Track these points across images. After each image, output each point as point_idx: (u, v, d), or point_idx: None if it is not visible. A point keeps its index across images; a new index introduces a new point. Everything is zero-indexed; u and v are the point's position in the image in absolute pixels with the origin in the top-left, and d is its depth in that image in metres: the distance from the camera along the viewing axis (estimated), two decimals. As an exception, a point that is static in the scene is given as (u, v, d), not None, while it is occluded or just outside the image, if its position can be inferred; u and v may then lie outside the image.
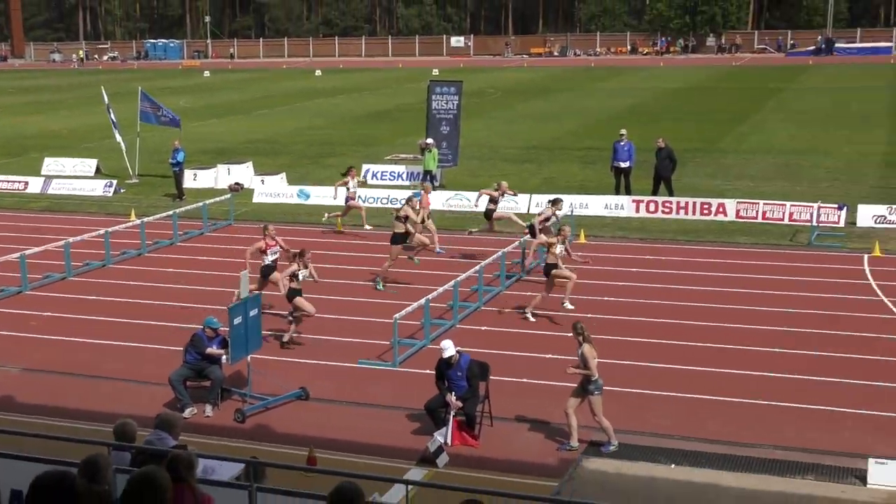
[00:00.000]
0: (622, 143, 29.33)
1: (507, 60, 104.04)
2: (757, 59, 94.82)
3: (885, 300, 19.44)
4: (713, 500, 11.84)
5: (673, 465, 12.81)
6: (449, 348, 13.69)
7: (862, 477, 12.20)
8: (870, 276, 21.13)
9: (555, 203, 22.12)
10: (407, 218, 21.25)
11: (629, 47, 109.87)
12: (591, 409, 13.13)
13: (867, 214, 25.77)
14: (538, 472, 12.76)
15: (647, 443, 13.49)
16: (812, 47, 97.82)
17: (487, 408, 14.07)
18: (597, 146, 38.39)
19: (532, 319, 18.64)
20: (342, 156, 39.57)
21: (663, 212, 27.46)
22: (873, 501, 11.72)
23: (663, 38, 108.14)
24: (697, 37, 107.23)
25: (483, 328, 18.46)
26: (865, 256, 22.65)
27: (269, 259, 19.03)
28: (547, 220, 21.67)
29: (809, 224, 24.85)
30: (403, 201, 22.63)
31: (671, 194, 28.41)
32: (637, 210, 27.89)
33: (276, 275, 18.57)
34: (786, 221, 25.95)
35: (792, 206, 26.32)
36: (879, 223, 25.47)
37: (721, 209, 27.03)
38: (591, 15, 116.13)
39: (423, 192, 24.52)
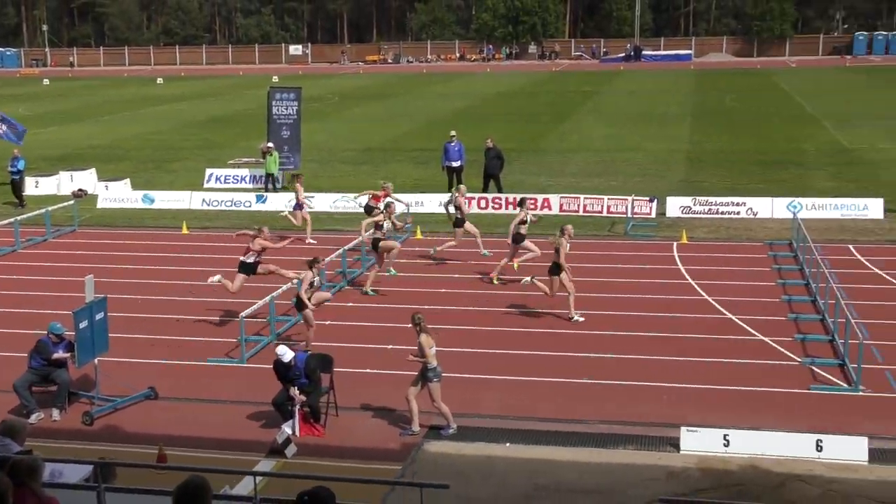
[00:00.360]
0: (453, 144, 29.59)
1: (344, 67, 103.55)
2: (574, 65, 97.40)
3: (693, 283, 20.25)
4: (547, 474, 12.07)
5: (508, 444, 13.00)
6: (286, 353, 13.50)
7: (675, 444, 12.68)
8: (679, 262, 21.97)
9: (521, 203, 21.40)
10: (382, 225, 20.35)
11: (458, 54, 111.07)
12: (431, 396, 13.18)
13: (675, 206, 26.81)
14: (382, 457, 12.73)
15: (485, 424, 13.64)
16: (623, 54, 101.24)
17: (333, 398, 13.95)
18: (429, 147, 38.61)
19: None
20: (185, 160, 38.57)
21: (493, 207, 27.86)
22: (686, 465, 12.19)
23: (489, 46, 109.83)
24: (520, 45, 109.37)
25: (327, 322, 18.27)
26: (674, 244, 23.55)
27: (251, 259, 18.11)
28: (524, 222, 20.64)
29: (625, 216, 25.71)
30: (381, 208, 21.58)
31: (500, 191, 28.87)
32: (469, 206, 28.12)
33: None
34: (604, 214, 26.72)
35: (609, 199, 27.12)
36: (685, 213, 26.55)
37: (546, 203, 27.61)
38: (421, 24, 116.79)
39: (384, 190, 23.63)
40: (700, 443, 12.56)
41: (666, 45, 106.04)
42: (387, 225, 20.39)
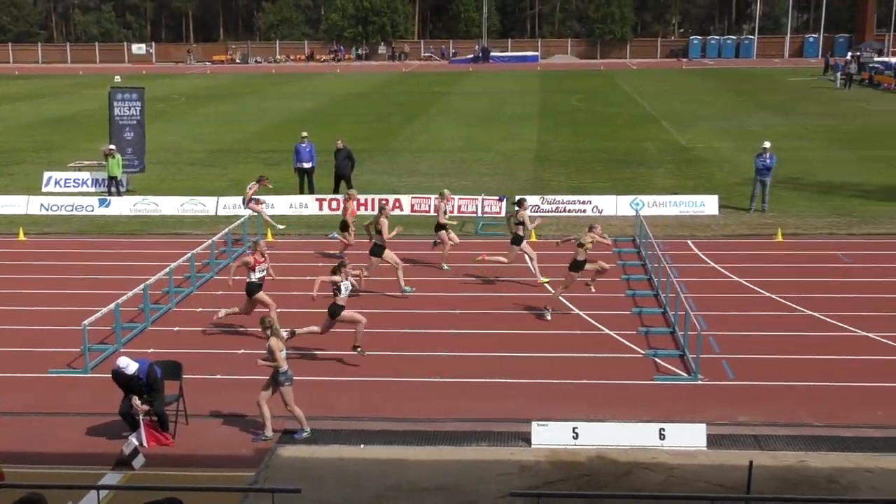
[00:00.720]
0: (304, 145, 29.34)
1: (190, 67, 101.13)
2: (424, 66, 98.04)
3: (542, 280, 20.66)
4: (399, 474, 12.11)
5: (363, 445, 12.98)
6: (128, 365, 13.07)
7: (527, 439, 12.93)
8: (528, 259, 22.34)
9: (520, 203, 21.08)
10: (379, 231, 19.68)
11: (307, 55, 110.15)
12: (283, 400, 13.03)
13: (523, 204, 27.30)
14: (235, 464, 12.49)
15: (339, 426, 13.58)
16: (471, 55, 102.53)
17: (182, 406, 13.61)
18: (280, 148, 38.19)
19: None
20: (23, 163, 36.87)
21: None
22: (537, 459, 12.45)
23: (340, 47, 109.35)
24: (370, 45, 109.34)
25: (176, 329, 17.84)
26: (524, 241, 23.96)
27: (255, 276, 16.96)
28: (521, 223, 20.59)
29: (475, 215, 26.06)
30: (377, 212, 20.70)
31: (351, 192, 28.77)
32: (321, 208, 28.02)
33: (262, 294, 16.85)
34: (455, 213, 26.98)
35: (459, 199, 27.42)
36: (534, 211, 26.98)
37: (398, 204, 27.70)
38: (269, 24, 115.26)
39: (347, 197, 23.03)
40: (550, 436, 12.84)
41: (513, 47, 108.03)
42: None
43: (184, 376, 13.81)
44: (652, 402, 14.37)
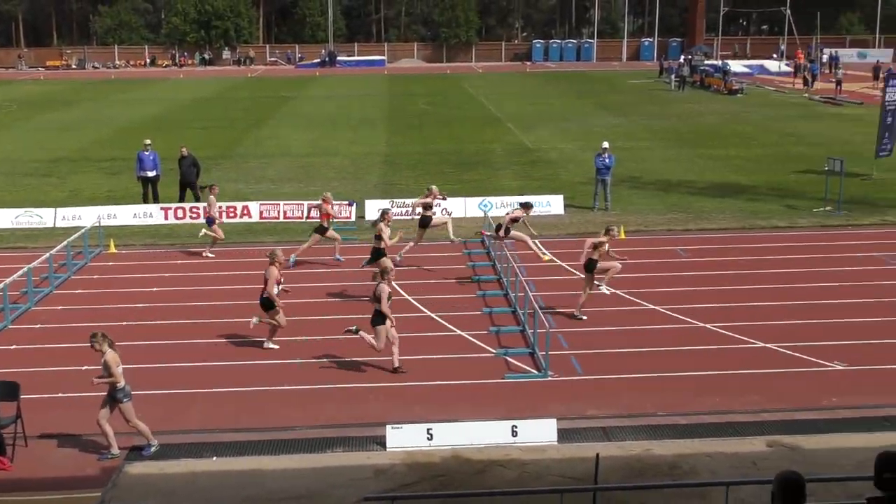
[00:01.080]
0: (147, 153, 28.50)
1: (23, 73, 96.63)
2: (270, 71, 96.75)
3: (394, 283, 20.68)
4: (254, 485, 11.92)
5: (215, 458, 12.71)
6: None
7: (382, 443, 12.95)
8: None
9: (525, 206, 21.22)
10: (378, 237, 19.52)
11: (148, 60, 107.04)
12: (124, 417, 12.60)
13: (374, 208, 27.29)
14: (80, 485, 12.02)
15: (189, 440, 13.26)
16: (318, 60, 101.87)
17: (21, 428, 13.00)
18: (121, 156, 36.96)
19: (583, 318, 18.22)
20: None
21: (191, 217, 27.08)
22: (392, 462, 12.47)
23: (184, 52, 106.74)
24: (214, 50, 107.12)
25: (13, 347, 17.04)
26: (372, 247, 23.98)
27: (277, 290, 16.43)
28: (516, 220, 20.62)
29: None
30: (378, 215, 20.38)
31: (197, 200, 28.09)
32: (166, 217, 27.28)
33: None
34: (304, 219, 26.77)
35: (308, 204, 27.19)
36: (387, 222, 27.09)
37: (246, 211, 27.27)
38: (107, 28, 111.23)
39: (322, 201, 22.39)
40: (405, 439, 12.89)
41: (360, 51, 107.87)
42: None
43: (21, 396, 13.19)
44: (504, 400, 14.61)
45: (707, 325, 17.70)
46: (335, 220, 23.54)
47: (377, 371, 15.76)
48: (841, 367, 15.69)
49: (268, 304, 16.43)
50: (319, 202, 22.56)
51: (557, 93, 66.45)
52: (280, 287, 16.55)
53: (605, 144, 28.50)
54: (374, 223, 20.15)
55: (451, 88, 71.64)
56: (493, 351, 16.66)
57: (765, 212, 27.51)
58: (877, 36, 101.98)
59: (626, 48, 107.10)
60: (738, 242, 24.14)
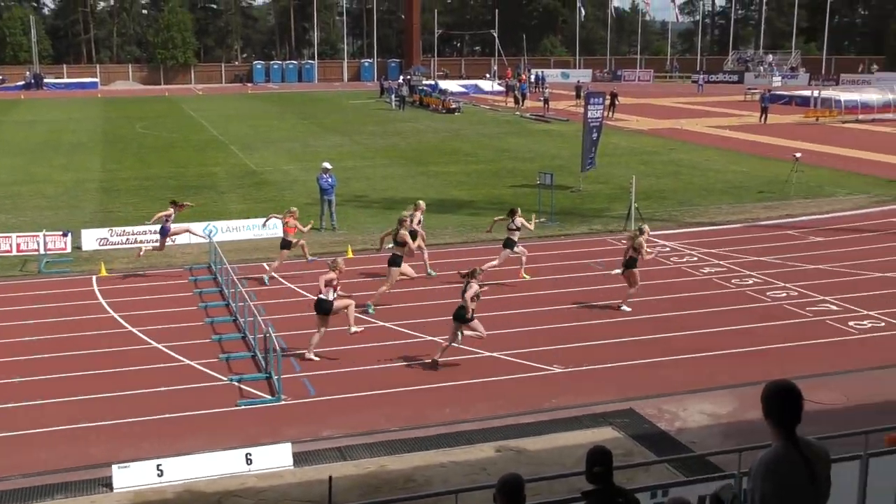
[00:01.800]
0: None
1: None
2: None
3: (116, 315, 19.84)
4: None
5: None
6: None
7: (108, 484, 12.32)
8: (99, 296, 21.38)
9: (512, 213, 22.01)
10: (405, 243, 20.12)
11: None
12: None
13: (91, 238, 26.02)
14: None
15: (24, 485, 12.20)
16: (23, 82, 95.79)
17: None
18: None
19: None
20: None
21: None
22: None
23: None
24: None
25: None
26: (94, 277, 22.87)
27: (332, 295, 16.81)
28: (510, 226, 21.92)
29: (38, 253, 24.34)
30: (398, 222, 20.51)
31: None
32: None
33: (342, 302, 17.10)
34: (14, 252, 25.05)
35: (18, 237, 25.48)
36: (103, 245, 25.91)
37: (-55, 247, 25.12)
38: None
39: (289, 214, 22.58)
40: (133, 478, 12.32)
41: (69, 73, 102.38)
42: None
43: None
44: (239, 428, 14.33)
45: (435, 338, 18.19)
46: (49, 253, 22.21)
47: (100, 409, 14.95)
48: (560, 370, 16.65)
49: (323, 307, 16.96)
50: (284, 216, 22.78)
51: (280, 114, 66.24)
52: (336, 292, 16.96)
53: (327, 164, 28.72)
54: (396, 230, 20.43)
55: (170, 111, 69.60)
56: (225, 378, 16.29)
57: (485, 224, 28.68)
58: (577, 58, 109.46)
59: (347, 69, 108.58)
60: (459, 256, 24.99)
